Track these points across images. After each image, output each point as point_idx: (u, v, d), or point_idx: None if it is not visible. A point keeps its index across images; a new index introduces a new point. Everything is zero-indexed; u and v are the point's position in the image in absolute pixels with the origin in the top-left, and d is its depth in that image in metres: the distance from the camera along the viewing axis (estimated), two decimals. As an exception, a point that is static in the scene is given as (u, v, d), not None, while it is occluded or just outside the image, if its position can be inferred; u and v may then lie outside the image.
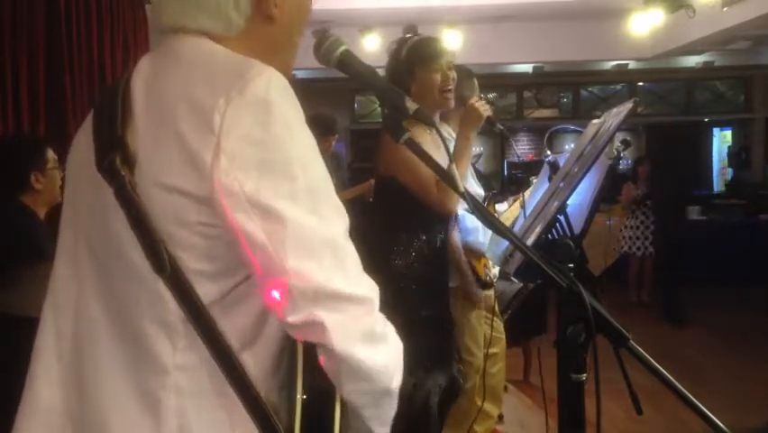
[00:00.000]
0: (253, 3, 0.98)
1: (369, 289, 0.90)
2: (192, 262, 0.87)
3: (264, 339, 0.93)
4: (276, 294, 0.85)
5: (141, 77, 0.96)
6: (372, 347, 0.88)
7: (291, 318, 0.85)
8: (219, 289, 0.89)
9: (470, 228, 2.81)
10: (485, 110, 2.47)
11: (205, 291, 0.88)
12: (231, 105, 0.84)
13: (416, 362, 2.39)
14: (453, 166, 1.15)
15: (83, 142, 1.00)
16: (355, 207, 4.63)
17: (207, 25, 0.97)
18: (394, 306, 2.42)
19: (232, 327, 0.89)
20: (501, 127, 2.57)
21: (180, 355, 0.90)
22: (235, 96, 0.84)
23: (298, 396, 0.90)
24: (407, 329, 2.47)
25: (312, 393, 0.91)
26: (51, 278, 1.03)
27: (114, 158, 0.89)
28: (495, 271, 3.07)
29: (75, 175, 1.04)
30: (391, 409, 0.96)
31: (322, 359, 0.88)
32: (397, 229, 2.48)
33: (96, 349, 0.95)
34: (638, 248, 7.06)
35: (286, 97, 0.88)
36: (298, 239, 0.84)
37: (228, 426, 0.91)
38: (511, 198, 3.30)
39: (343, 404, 0.93)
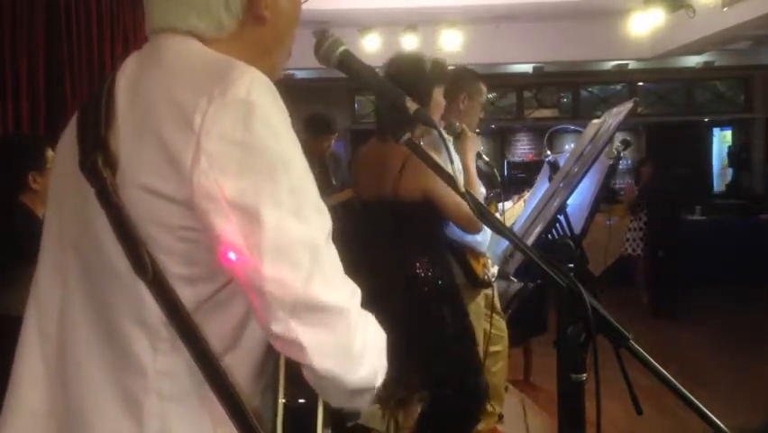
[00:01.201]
0: (244, 4, 0.97)
1: (349, 294, 0.88)
2: (173, 266, 0.86)
3: (247, 344, 0.92)
4: (254, 301, 0.84)
5: (126, 77, 0.94)
6: (353, 364, 0.86)
7: (270, 327, 0.83)
8: (200, 293, 0.88)
9: None
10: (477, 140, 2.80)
11: (187, 296, 0.87)
12: (212, 105, 0.82)
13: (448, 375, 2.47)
14: (454, 166, 1.15)
15: (68, 143, 0.99)
16: (342, 211, 4.61)
17: (198, 26, 0.95)
18: (420, 326, 2.44)
19: (213, 332, 0.88)
20: (487, 159, 2.92)
21: (162, 359, 0.89)
22: (217, 96, 0.83)
23: (281, 400, 0.89)
24: (435, 345, 2.48)
25: (294, 397, 0.90)
26: (34, 278, 1.01)
27: (96, 159, 0.88)
28: (494, 270, 3.08)
29: (59, 175, 1.03)
30: (373, 394, 0.94)
31: (303, 372, 0.87)
32: (416, 252, 2.50)
33: (79, 350, 0.94)
34: (642, 249, 7.05)
35: (269, 98, 0.86)
36: (276, 243, 0.81)
37: (211, 430, 0.90)
38: (516, 196, 3.31)
39: (325, 403, 0.93)
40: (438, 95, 2.57)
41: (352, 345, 0.86)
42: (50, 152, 2.59)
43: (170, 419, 0.89)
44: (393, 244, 2.52)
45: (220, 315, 0.89)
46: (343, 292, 0.87)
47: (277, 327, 0.83)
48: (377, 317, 0.93)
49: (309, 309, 0.83)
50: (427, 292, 2.48)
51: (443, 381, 2.48)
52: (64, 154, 1.01)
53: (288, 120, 0.88)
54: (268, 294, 0.82)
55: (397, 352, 0.96)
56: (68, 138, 0.99)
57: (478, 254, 2.95)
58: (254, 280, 0.82)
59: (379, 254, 2.52)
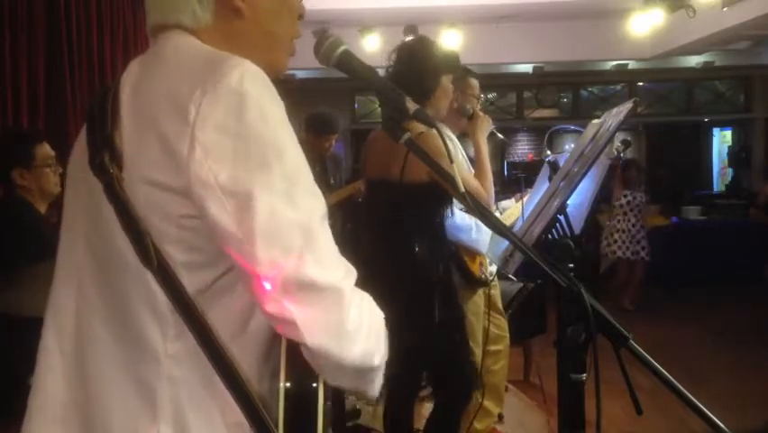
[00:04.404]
0: None
1: (343, 274, 0.90)
2: (178, 254, 0.90)
3: (253, 328, 0.95)
4: (252, 284, 0.87)
5: (130, 79, 0.99)
6: (347, 341, 0.89)
7: (266, 308, 0.87)
8: (204, 279, 0.91)
9: (462, 226, 2.83)
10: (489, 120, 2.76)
11: (192, 282, 0.90)
12: (206, 96, 0.86)
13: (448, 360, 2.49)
14: (455, 166, 1.15)
15: (80, 148, 1.04)
16: (346, 209, 4.60)
17: (178, 19, 1.00)
18: (416, 311, 2.43)
19: (220, 317, 0.91)
20: (501, 136, 2.85)
21: (171, 345, 0.92)
22: (210, 88, 0.87)
23: (281, 384, 0.91)
24: (429, 333, 2.48)
25: (296, 380, 0.92)
26: (54, 278, 1.06)
27: (104, 156, 0.92)
28: (492, 268, 3.06)
29: (73, 178, 1.08)
30: (377, 377, 0.97)
31: (303, 352, 0.90)
32: (415, 235, 2.51)
33: (95, 342, 0.98)
34: (630, 251, 6.98)
35: (261, 88, 0.89)
36: (269, 227, 0.85)
37: (219, 414, 0.93)
38: (518, 194, 3.31)
39: (326, 383, 0.94)
40: (447, 82, 2.58)
41: (344, 323, 0.88)
42: (40, 150, 2.59)
43: (182, 404, 0.92)
44: (395, 226, 2.53)
45: (225, 301, 0.93)
46: (336, 272, 0.90)
47: (271, 307, 0.86)
48: (372, 295, 0.95)
49: (300, 288, 0.86)
50: (422, 275, 2.47)
51: (429, 366, 2.49)
52: (77, 158, 1.06)
53: (282, 109, 0.91)
54: (262, 276, 0.85)
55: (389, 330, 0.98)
56: (81, 143, 1.03)
57: (473, 253, 2.94)
58: (249, 264, 0.86)
59: (381, 234, 2.53)
